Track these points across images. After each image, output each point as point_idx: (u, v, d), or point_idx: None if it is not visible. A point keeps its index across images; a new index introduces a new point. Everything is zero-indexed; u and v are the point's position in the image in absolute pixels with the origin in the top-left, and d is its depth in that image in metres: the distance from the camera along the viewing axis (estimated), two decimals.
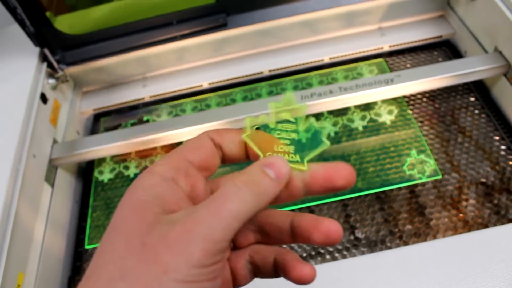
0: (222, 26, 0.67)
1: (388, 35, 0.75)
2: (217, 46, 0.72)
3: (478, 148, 0.63)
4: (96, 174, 0.68)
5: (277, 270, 0.26)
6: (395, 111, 0.67)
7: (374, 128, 0.66)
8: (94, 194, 0.66)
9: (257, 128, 0.27)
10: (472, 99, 0.68)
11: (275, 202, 0.26)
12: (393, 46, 0.75)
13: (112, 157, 0.69)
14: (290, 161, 0.26)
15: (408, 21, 0.77)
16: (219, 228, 0.21)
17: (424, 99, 0.69)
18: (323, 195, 0.25)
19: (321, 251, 0.56)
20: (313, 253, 0.56)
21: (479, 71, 0.63)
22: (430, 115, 0.67)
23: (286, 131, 0.26)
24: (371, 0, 0.71)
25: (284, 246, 0.28)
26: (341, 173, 0.25)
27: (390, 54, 0.75)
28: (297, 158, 0.26)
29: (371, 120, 0.67)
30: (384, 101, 0.69)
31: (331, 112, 0.68)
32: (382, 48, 0.75)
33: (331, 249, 0.56)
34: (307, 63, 0.74)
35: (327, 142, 0.26)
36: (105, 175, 0.67)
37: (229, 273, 0.26)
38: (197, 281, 0.20)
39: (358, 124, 0.66)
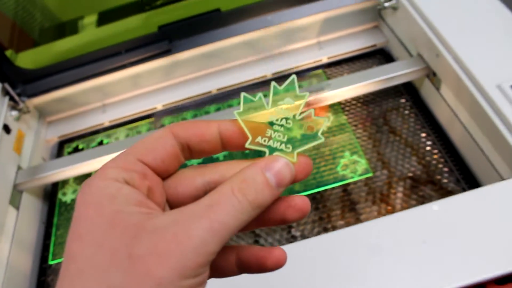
0: (167, 52, 0.73)
1: (326, 48, 0.81)
2: (167, 71, 0.78)
3: (407, 145, 0.68)
4: (60, 195, 0.73)
5: (240, 268, 0.26)
6: (331, 118, 0.73)
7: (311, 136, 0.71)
8: (58, 214, 0.71)
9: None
10: (403, 100, 0.74)
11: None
12: (331, 57, 0.81)
13: (75, 179, 0.74)
14: (280, 150, 0.25)
15: (345, 33, 0.83)
16: (211, 241, 0.21)
17: (359, 104, 0.74)
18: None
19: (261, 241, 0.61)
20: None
21: (403, 75, 0.69)
22: (364, 119, 0.72)
23: (282, 117, 0.25)
24: (308, 16, 0.77)
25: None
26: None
27: (329, 65, 0.81)
28: (289, 148, 0.25)
29: None
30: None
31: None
32: (321, 60, 0.81)
33: (270, 240, 0.61)
34: (251, 80, 0.80)
35: (322, 138, 0.25)
36: (68, 196, 0.73)
37: None
38: None
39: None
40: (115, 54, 0.73)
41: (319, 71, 0.80)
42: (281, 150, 0.25)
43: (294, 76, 0.26)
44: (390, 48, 0.80)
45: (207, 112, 0.77)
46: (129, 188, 0.22)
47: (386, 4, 0.74)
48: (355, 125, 0.72)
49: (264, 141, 0.25)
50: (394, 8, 0.74)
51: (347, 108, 0.74)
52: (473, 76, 0.58)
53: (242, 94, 0.26)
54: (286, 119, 0.25)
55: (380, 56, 0.81)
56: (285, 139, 0.25)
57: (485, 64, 0.59)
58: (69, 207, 0.72)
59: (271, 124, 0.25)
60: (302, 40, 0.81)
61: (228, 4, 0.73)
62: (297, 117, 0.25)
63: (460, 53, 0.61)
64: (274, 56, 0.81)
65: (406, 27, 0.73)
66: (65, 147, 0.80)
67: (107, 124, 0.81)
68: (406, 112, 0.72)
